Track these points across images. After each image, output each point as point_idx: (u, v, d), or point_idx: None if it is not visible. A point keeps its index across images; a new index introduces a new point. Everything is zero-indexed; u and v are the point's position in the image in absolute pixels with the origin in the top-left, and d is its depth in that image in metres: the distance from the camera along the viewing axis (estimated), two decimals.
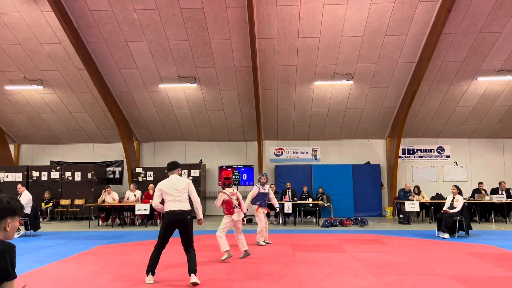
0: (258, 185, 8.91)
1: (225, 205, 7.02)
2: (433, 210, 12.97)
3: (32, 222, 10.54)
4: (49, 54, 12.80)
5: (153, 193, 12.90)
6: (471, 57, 12.57)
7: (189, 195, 5.66)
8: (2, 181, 14.98)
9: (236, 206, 7.10)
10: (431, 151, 16.16)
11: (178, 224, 5.44)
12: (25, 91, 14.28)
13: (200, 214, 5.76)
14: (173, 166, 5.80)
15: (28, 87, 13.88)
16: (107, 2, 11.16)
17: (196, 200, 5.67)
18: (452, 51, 12.39)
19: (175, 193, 5.50)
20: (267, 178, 8.99)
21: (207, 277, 5.66)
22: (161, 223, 11.90)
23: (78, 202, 14.74)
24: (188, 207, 5.53)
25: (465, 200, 10.59)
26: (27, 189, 14.45)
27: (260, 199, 8.84)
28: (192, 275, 5.28)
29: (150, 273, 5.40)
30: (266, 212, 8.94)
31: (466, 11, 11.19)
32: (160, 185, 5.61)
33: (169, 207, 5.47)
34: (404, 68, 13.05)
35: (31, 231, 10.56)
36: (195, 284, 5.20)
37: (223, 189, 7.21)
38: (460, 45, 12.19)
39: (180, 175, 5.89)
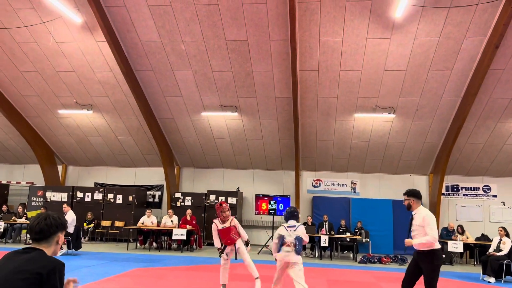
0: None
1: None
2: (478, 251, 12.36)
3: (74, 242, 10.91)
4: (100, 81, 13.51)
5: (190, 219, 13.17)
6: None
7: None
8: (48, 200, 15.65)
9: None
10: (476, 190, 15.50)
11: None
12: (76, 115, 15.05)
13: None
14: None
15: (79, 112, 14.63)
16: (157, 33, 11.74)
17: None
18: (500, 88, 12.05)
19: None
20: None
21: None
22: (196, 248, 11.75)
23: (118, 224, 15.12)
24: None
25: None
26: (71, 209, 15.07)
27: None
28: None
29: None
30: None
31: None
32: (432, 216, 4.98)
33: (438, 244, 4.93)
34: (449, 103, 12.78)
35: (73, 250, 10.92)
36: None
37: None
38: (509, 81, 11.83)
39: None
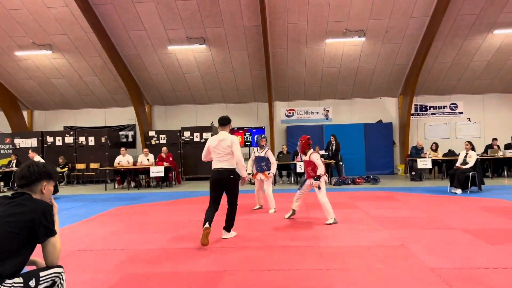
0: (255, 149, 8.30)
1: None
2: (446, 166, 12.98)
3: None
4: (57, 18, 12.67)
5: (166, 156, 13.17)
6: (487, 9, 12.16)
7: None
8: (18, 147, 15.24)
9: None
10: (444, 108, 15.98)
11: (220, 182, 5.46)
12: (35, 56, 14.26)
13: (243, 173, 5.56)
14: (225, 122, 5.67)
15: (38, 52, 13.84)
16: None
17: (238, 159, 5.47)
18: (467, 4, 11.99)
19: (218, 151, 5.47)
20: (266, 140, 8.28)
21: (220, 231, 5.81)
22: (175, 184, 11.92)
23: (93, 166, 15.00)
24: (232, 166, 5.49)
25: (478, 156, 10.55)
26: (43, 154, 14.77)
27: (256, 164, 8.23)
28: (224, 231, 5.66)
29: (207, 222, 5.22)
30: (264, 178, 7.99)
31: None
32: (208, 142, 5.64)
33: (213, 165, 5.53)
34: (418, 23, 12.70)
35: None
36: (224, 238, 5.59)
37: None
38: None
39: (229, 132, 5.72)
